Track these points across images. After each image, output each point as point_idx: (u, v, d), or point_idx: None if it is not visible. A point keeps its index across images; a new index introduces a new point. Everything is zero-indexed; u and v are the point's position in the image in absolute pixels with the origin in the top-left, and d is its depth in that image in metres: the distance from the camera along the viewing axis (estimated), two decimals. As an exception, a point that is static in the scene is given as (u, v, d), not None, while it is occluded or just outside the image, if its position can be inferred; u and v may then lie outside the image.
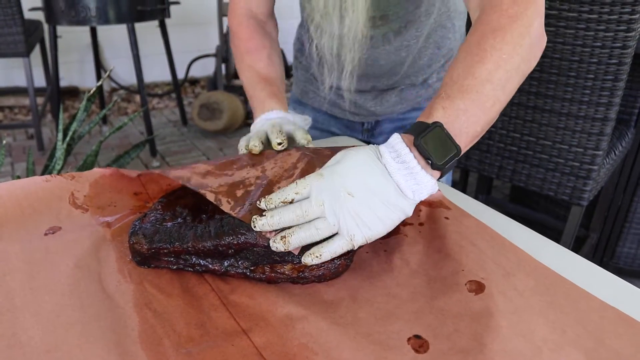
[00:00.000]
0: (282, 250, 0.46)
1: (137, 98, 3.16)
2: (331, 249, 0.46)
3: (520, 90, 1.08)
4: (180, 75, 3.05)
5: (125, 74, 3.13)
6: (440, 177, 0.49)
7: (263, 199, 0.48)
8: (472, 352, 0.43)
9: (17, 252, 0.50)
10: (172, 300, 0.46)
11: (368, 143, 0.89)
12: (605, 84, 0.97)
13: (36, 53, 2.63)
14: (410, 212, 0.47)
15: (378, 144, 0.90)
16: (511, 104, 1.12)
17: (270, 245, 0.46)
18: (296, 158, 0.56)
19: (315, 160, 0.54)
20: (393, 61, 0.78)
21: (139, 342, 0.41)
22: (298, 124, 0.67)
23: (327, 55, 0.76)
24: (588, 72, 0.98)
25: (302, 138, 0.62)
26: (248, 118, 2.69)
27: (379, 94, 0.84)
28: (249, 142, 0.60)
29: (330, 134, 0.91)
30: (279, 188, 0.50)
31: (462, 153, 0.48)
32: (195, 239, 0.49)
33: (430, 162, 0.46)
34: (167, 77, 3.05)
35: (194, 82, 3.42)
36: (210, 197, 0.51)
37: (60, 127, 1.10)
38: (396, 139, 0.48)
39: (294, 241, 0.46)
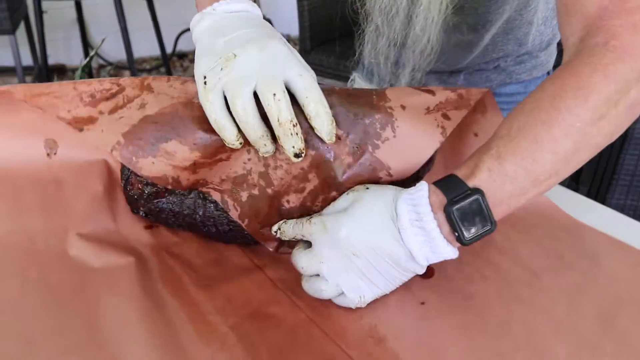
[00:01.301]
0: None
1: (126, 74, 3.13)
2: (342, 304, 0.42)
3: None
4: (169, 49, 3.03)
5: (112, 50, 3.09)
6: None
7: (278, 230, 0.45)
8: (474, 280, 0.46)
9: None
10: (186, 243, 0.48)
11: None
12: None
13: (21, 31, 2.60)
14: (421, 272, 0.42)
15: None
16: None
17: None
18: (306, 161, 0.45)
19: (327, 165, 0.45)
20: (461, 55, 0.70)
21: (160, 281, 0.44)
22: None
23: (382, 62, 0.66)
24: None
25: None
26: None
27: (441, 76, 0.76)
28: (215, 110, 0.42)
29: None
30: (287, 202, 0.46)
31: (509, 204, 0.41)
32: (205, 217, 0.46)
33: (457, 235, 0.39)
34: (154, 51, 3.01)
35: (182, 55, 3.39)
36: (216, 196, 0.46)
37: (56, 98, 1.10)
38: (422, 194, 0.40)
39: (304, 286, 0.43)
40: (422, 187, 0.40)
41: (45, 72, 2.45)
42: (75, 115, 0.44)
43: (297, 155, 0.42)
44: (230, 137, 0.42)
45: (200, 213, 0.46)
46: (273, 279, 0.45)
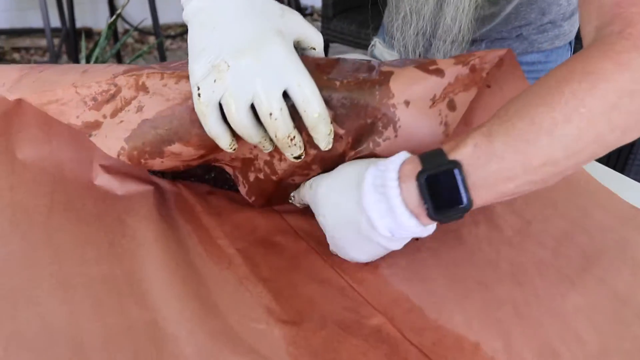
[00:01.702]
0: None
1: (151, 40, 3.17)
2: None
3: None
4: (193, 15, 3.04)
5: (137, 14, 3.12)
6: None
7: (292, 197, 0.47)
8: (466, 223, 0.48)
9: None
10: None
11: None
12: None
13: (50, -7, 2.64)
14: (393, 247, 0.40)
15: None
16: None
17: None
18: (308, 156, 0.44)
19: (329, 158, 0.44)
20: (481, 25, 0.68)
21: (175, 208, 0.48)
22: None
23: (410, 51, 0.64)
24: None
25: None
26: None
27: (462, 43, 0.73)
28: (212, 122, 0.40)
29: None
30: (293, 180, 0.46)
31: (476, 207, 0.37)
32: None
33: (427, 207, 0.36)
34: (179, 19, 3.06)
35: (206, 23, 3.41)
36: (229, 170, 0.49)
37: (83, 54, 1.15)
38: (395, 160, 0.38)
39: None
40: (399, 155, 0.38)
41: (73, 34, 2.50)
42: (84, 120, 0.44)
43: (297, 158, 0.42)
44: (225, 145, 0.41)
45: (213, 175, 0.50)
46: (280, 211, 0.48)
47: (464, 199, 0.35)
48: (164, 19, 3.23)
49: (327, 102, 0.41)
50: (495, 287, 0.41)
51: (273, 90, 0.38)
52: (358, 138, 0.43)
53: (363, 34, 1.71)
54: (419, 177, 0.36)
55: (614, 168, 1.57)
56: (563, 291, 0.41)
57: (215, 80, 0.38)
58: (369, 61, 0.45)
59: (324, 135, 0.40)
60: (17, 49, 2.99)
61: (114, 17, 0.85)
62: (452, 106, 0.44)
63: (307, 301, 0.39)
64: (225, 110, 0.39)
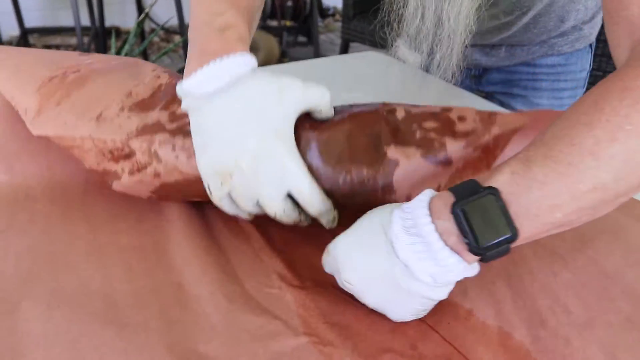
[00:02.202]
0: None
1: (176, 38, 3.25)
2: None
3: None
4: (217, 15, 3.11)
5: (163, 14, 3.20)
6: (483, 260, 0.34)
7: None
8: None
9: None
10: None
11: (478, 92, 0.83)
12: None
13: (81, -7, 2.73)
14: (437, 296, 0.36)
15: (487, 94, 0.80)
16: None
17: None
18: None
19: None
20: (498, 34, 0.70)
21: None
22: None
23: (418, 53, 0.65)
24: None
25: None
26: (283, 56, 2.76)
27: (483, 48, 0.76)
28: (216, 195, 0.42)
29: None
30: None
31: (522, 241, 0.34)
32: None
33: (467, 241, 0.32)
34: (204, 17, 3.13)
35: (231, 23, 3.48)
36: None
37: (113, 50, 1.21)
38: (422, 198, 0.35)
39: None
40: (426, 192, 0.35)
41: (102, 32, 2.58)
42: (105, 168, 0.47)
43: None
44: (244, 218, 0.45)
45: None
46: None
47: (508, 229, 0.32)
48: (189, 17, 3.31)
49: (331, 195, 0.43)
50: (492, 263, 0.44)
51: (274, 196, 0.40)
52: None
53: (382, 34, 1.74)
54: (453, 208, 0.32)
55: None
56: (556, 269, 0.44)
57: (222, 183, 0.41)
58: (372, 139, 0.43)
59: (327, 222, 0.43)
60: (48, 47, 3.10)
61: (143, 15, 0.90)
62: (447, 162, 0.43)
63: (317, 270, 0.43)
64: (238, 205, 0.42)
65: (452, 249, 0.33)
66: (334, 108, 0.45)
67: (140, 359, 0.35)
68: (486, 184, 0.33)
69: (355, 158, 0.42)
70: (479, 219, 0.32)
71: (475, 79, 0.83)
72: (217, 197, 0.42)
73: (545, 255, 0.45)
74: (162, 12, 3.19)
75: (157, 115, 0.46)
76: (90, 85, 0.49)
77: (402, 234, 0.34)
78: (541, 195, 0.32)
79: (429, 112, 0.44)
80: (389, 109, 0.44)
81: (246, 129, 0.40)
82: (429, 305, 0.37)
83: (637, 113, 0.32)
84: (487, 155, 0.42)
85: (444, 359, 0.36)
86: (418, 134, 0.42)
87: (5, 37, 2.99)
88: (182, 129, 0.44)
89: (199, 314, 0.39)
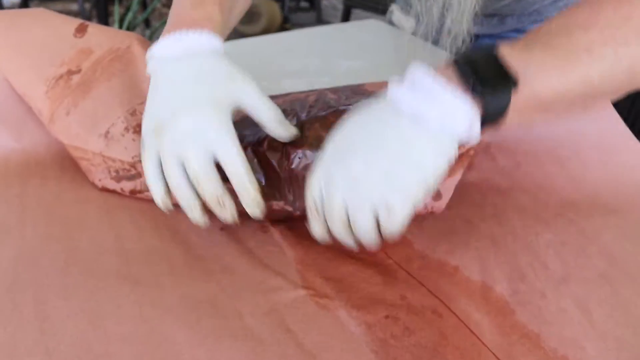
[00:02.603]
0: None
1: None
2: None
3: None
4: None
5: (165, -21, 3.18)
6: (488, 125, 0.35)
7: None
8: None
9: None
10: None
11: None
12: None
13: (81, -43, 2.71)
14: (450, 150, 0.36)
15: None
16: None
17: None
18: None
19: None
20: (491, 4, 0.70)
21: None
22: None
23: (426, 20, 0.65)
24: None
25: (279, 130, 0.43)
26: (285, 22, 2.75)
27: (476, 17, 0.72)
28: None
29: None
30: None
31: (515, 115, 0.35)
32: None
33: (470, 81, 0.33)
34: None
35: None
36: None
37: (116, 17, 1.22)
38: (419, 65, 0.36)
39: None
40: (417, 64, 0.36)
41: (103, -2, 2.57)
42: (104, 185, 0.51)
43: (232, 222, 0.41)
44: (157, 198, 0.43)
45: None
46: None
47: (509, 76, 0.34)
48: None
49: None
50: (478, 224, 0.48)
51: (200, 156, 0.39)
52: None
53: (383, 0, 1.73)
54: (456, 63, 0.34)
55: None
56: (538, 230, 0.47)
57: (155, 138, 0.41)
58: None
59: (247, 202, 0.41)
60: (49, 13, 3.08)
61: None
62: (437, 195, 0.45)
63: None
64: (162, 163, 0.41)
65: (455, 91, 0.34)
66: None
67: (154, 312, 0.39)
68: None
69: None
70: (481, 67, 0.34)
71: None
72: (147, 155, 0.42)
73: (528, 218, 0.48)
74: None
75: None
76: (95, 94, 0.52)
77: (405, 92, 0.35)
78: (537, 71, 0.34)
79: None
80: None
81: (192, 94, 0.41)
82: (434, 172, 0.36)
83: (627, 27, 0.35)
84: (461, 158, 0.44)
85: (430, 309, 0.39)
86: None
87: (6, 4, 2.97)
88: None
89: (205, 271, 0.43)
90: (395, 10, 0.85)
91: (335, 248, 0.45)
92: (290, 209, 0.45)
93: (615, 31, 0.34)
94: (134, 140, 0.50)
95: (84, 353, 0.36)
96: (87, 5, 2.78)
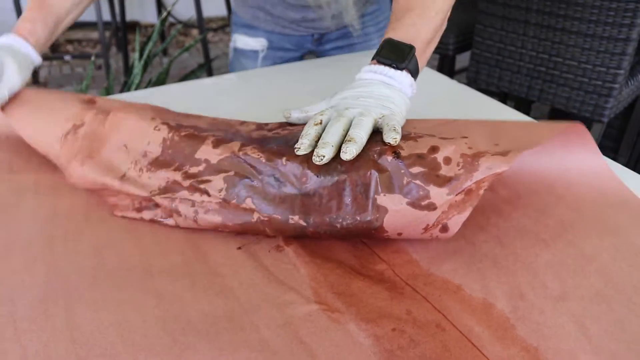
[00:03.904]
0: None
1: (194, 32, 3.32)
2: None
3: (549, 13, 1.16)
4: (234, 10, 3.17)
5: (181, 9, 3.28)
6: (414, 75, 0.57)
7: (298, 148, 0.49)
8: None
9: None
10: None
11: (316, 54, 1.04)
12: (629, 5, 1.05)
13: (102, -12, 2.81)
14: (405, 97, 0.56)
15: (326, 51, 1.04)
16: (540, 26, 1.20)
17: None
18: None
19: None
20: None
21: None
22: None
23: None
24: (612, -7, 1.06)
25: None
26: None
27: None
28: None
29: (283, 51, 0.99)
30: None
31: (426, 55, 0.60)
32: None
33: (394, 66, 0.55)
34: (221, 12, 3.19)
35: (247, 17, 3.53)
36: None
37: (137, 46, 1.27)
38: (368, 68, 0.57)
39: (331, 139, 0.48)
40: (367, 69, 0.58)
41: (123, 27, 2.66)
42: (124, 214, 0.54)
43: None
44: None
45: None
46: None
47: (407, 46, 0.57)
48: (206, 12, 3.37)
49: (333, 235, 0.48)
50: (481, 245, 0.50)
51: None
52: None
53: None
54: (374, 58, 0.57)
55: (637, 160, 1.61)
56: (537, 251, 0.49)
57: None
58: (363, 189, 0.46)
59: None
60: (70, 41, 3.18)
61: (166, 14, 0.97)
62: (445, 229, 0.47)
63: (327, 250, 0.49)
64: None
65: (397, 70, 0.56)
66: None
67: (176, 326, 0.42)
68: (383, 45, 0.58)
69: (347, 208, 0.47)
70: (396, 53, 0.56)
71: (316, 42, 0.99)
72: None
73: (529, 239, 0.51)
74: (179, 6, 3.27)
75: (172, 175, 0.53)
76: (107, 147, 0.57)
77: (375, 75, 0.56)
78: (415, 30, 0.59)
79: (415, 154, 0.47)
80: (378, 151, 0.47)
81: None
82: (400, 107, 0.55)
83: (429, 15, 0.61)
84: (471, 196, 0.46)
85: (434, 323, 0.42)
86: (405, 180, 0.46)
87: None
88: (196, 187, 0.51)
89: (223, 285, 0.46)
90: (238, 39, 0.95)
91: (345, 264, 0.48)
92: (304, 224, 0.48)
93: (433, 1, 0.60)
94: (149, 178, 0.54)
95: (113, 361, 0.39)
96: (107, 34, 2.87)
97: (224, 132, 0.56)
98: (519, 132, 0.51)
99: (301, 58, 1.03)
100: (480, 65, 1.38)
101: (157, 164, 0.54)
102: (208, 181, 0.51)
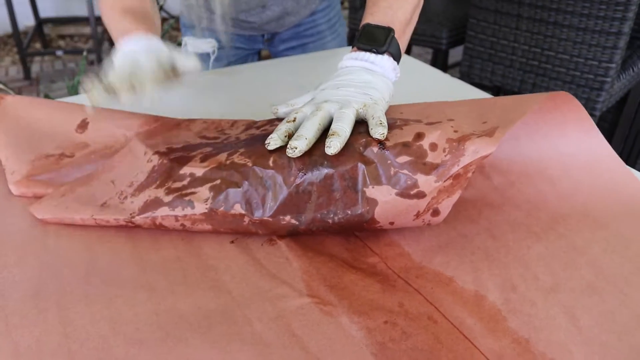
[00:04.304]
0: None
1: (187, 28, 3.30)
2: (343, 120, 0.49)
3: (541, 7, 1.17)
4: (227, 4, 3.15)
5: (174, 3, 3.26)
6: (396, 58, 0.57)
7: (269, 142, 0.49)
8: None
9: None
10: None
11: (269, 54, 1.01)
12: (620, -1, 1.06)
13: (94, -17, 2.79)
14: (389, 82, 0.56)
15: (279, 52, 1.01)
16: (532, 20, 1.21)
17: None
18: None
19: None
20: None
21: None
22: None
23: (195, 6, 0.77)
24: (604, -13, 1.07)
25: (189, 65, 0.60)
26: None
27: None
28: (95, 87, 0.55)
29: (235, 49, 0.97)
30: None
31: (405, 36, 0.60)
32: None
33: (375, 51, 0.55)
34: (214, 7, 3.17)
35: (240, 12, 3.52)
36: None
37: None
38: (349, 55, 0.57)
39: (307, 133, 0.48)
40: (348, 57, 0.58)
41: (115, 22, 2.65)
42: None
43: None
44: None
45: None
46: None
47: (386, 29, 0.57)
48: (200, 7, 3.36)
49: (325, 230, 0.48)
50: (473, 238, 0.50)
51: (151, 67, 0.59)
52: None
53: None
54: (354, 44, 0.58)
55: (629, 154, 1.62)
56: (529, 243, 0.50)
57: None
58: (351, 183, 0.47)
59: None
60: (62, 37, 3.16)
61: (158, 9, 0.96)
62: (436, 213, 0.48)
63: (319, 243, 0.49)
64: None
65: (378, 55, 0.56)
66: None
67: (168, 319, 0.42)
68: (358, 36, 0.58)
69: (337, 203, 0.47)
70: (376, 38, 0.56)
71: (268, 42, 0.98)
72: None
73: (521, 232, 0.51)
74: (172, 1, 3.25)
75: (154, 193, 0.51)
76: (95, 183, 0.56)
77: (357, 62, 0.56)
78: (392, 12, 0.59)
79: (401, 143, 0.46)
80: (363, 143, 0.47)
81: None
82: (383, 93, 0.54)
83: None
84: (459, 180, 0.46)
85: (426, 316, 0.42)
86: (392, 171, 0.46)
87: (21, 27, 3.05)
88: (180, 200, 0.50)
89: (216, 280, 0.46)
90: (189, 42, 0.89)
91: (338, 257, 0.48)
92: (296, 222, 0.48)
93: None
94: (132, 202, 0.52)
95: (105, 355, 0.39)
96: (100, 29, 2.85)
97: (212, 146, 0.55)
98: (506, 106, 0.51)
99: (258, 55, 1.01)
100: (473, 59, 1.39)
101: (141, 187, 0.53)
102: (193, 193, 0.50)
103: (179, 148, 0.56)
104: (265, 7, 0.87)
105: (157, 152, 0.55)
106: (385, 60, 0.56)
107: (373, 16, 0.59)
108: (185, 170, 0.51)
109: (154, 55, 0.59)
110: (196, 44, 0.74)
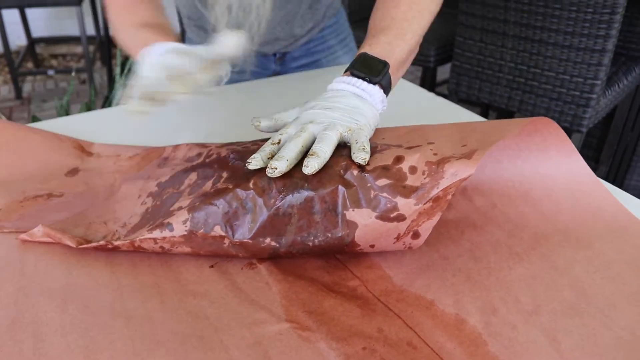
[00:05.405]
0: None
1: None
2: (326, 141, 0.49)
3: (526, 25, 1.18)
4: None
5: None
6: (386, 91, 0.57)
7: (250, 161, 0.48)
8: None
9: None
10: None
11: (279, 73, 0.98)
12: (603, 17, 1.07)
13: (86, 3, 2.80)
14: (375, 111, 0.55)
15: (291, 70, 1.00)
16: (518, 38, 1.22)
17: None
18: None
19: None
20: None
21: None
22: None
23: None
24: (587, 5, 1.08)
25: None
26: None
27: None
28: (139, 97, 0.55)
29: (245, 72, 0.96)
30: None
31: (398, 75, 0.60)
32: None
33: (368, 80, 0.55)
34: (206, 25, 3.19)
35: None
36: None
37: (118, 61, 1.27)
38: (340, 78, 0.56)
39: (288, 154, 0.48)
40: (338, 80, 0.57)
41: (107, 42, 2.65)
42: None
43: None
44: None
45: None
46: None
47: (382, 62, 0.57)
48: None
49: (306, 252, 0.48)
50: (455, 259, 0.50)
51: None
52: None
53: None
54: (347, 70, 0.57)
55: (618, 169, 1.63)
56: (511, 264, 0.49)
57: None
58: (331, 205, 0.47)
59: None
60: (54, 56, 3.17)
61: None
62: (416, 235, 0.47)
63: (300, 267, 0.48)
64: None
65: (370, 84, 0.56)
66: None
67: (144, 346, 0.41)
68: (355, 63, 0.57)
69: (318, 226, 0.47)
70: (371, 68, 0.56)
71: (280, 61, 0.97)
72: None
73: (503, 253, 0.51)
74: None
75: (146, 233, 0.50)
76: (88, 222, 0.56)
77: (348, 86, 0.56)
78: (390, 48, 0.59)
79: (380, 166, 0.47)
80: (344, 166, 0.47)
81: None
82: (370, 120, 0.54)
83: (420, 14, 0.63)
84: (439, 203, 0.46)
85: (405, 341, 0.41)
86: (372, 194, 0.46)
87: (13, 47, 3.06)
88: (158, 224, 0.49)
89: (195, 306, 0.45)
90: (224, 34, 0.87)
91: (318, 281, 0.47)
92: (276, 245, 0.48)
93: (409, 24, 0.62)
94: (119, 239, 0.51)
95: (79, 385, 0.38)
96: (91, 48, 2.86)
97: (196, 170, 0.55)
98: (486, 130, 0.51)
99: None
100: (461, 77, 1.40)
101: (135, 229, 0.53)
102: (171, 214, 0.50)
103: (170, 189, 0.56)
104: (278, 39, 0.89)
105: (150, 195, 0.56)
106: (376, 90, 0.56)
107: (371, 47, 0.59)
108: (175, 206, 0.52)
109: (189, 50, 0.57)
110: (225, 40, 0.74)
